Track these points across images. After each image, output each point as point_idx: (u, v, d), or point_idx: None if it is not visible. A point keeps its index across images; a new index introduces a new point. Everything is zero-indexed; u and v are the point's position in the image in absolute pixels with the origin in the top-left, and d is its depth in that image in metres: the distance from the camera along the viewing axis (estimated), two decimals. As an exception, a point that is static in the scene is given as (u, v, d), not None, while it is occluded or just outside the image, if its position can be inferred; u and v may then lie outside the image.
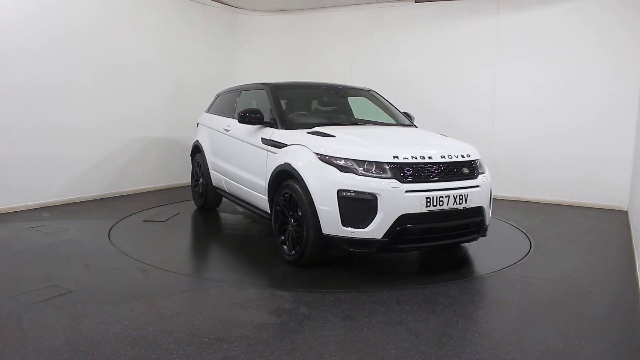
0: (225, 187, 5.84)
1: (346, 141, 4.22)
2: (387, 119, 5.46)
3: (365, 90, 5.84)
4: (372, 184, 3.80)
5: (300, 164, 4.16)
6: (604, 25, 6.87)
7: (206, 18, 8.58)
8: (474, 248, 4.90)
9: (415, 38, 8.18)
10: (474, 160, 4.29)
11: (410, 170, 3.90)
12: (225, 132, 5.72)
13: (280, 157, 4.43)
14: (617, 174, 6.86)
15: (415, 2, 8.11)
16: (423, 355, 2.73)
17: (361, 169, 3.87)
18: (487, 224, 4.34)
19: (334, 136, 4.33)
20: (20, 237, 4.94)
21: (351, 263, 4.44)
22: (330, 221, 3.89)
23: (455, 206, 3.98)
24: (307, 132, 4.46)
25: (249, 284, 3.90)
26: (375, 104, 5.67)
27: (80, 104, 6.56)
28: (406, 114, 5.60)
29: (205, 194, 6.31)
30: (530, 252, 4.80)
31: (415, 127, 5.39)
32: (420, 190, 3.86)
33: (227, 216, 6.31)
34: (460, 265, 4.51)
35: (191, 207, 6.64)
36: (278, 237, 4.42)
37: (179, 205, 6.71)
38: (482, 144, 7.72)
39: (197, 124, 6.72)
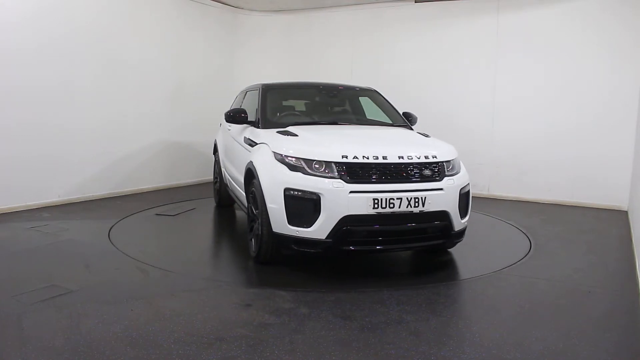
0: (228, 184, 5.99)
1: (305, 141, 4.17)
2: (384, 118, 5.43)
3: (364, 89, 5.81)
4: (316, 183, 3.74)
5: (258, 162, 4.21)
6: (604, 25, 6.88)
7: (206, 18, 8.58)
8: (474, 248, 4.90)
9: (415, 38, 8.18)
10: (440, 162, 4.04)
11: (358, 170, 3.79)
12: (228, 131, 5.91)
13: (250, 156, 4.49)
14: (617, 174, 6.87)
15: (415, 2, 8.11)
16: (423, 355, 2.72)
17: (309, 168, 3.83)
18: (455, 229, 4.07)
19: (297, 135, 4.31)
20: (20, 237, 4.93)
21: (351, 263, 4.44)
22: (278, 219, 3.88)
23: (410, 209, 3.80)
24: (277, 132, 4.46)
25: (249, 284, 3.90)
26: (375, 103, 5.65)
27: (80, 104, 6.56)
28: (407, 114, 5.48)
29: (219, 191, 6.55)
30: (530, 252, 4.80)
31: (410, 128, 5.22)
32: (367, 191, 3.73)
33: (240, 213, 6.34)
34: (460, 265, 4.51)
35: (210, 203, 6.86)
36: (248, 233, 4.48)
37: (197, 202, 6.88)
38: (482, 144, 7.75)
39: (220, 123, 6.94)
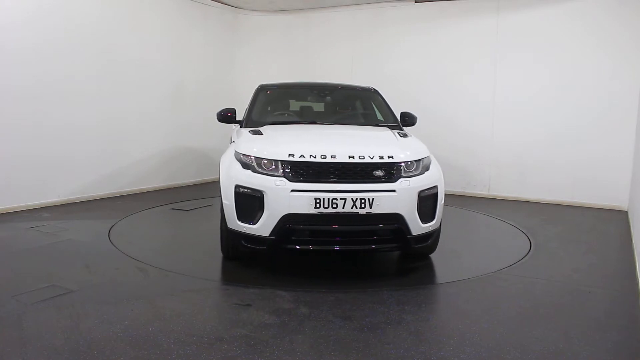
0: None
1: (264, 140, 4.20)
2: (380, 118, 5.39)
3: (361, 89, 5.75)
4: (261, 181, 3.77)
5: (222, 160, 4.29)
6: (604, 25, 6.88)
7: (207, 18, 8.59)
8: (474, 248, 4.90)
9: (415, 38, 8.18)
10: (396, 163, 3.84)
11: (302, 169, 3.76)
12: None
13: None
14: (617, 174, 6.87)
15: (415, 2, 8.12)
16: (423, 355, 2.72)
17: (258, 166, 3.87)
18: (413, 234, 3.84)
19: (262, 134, 4.34)
20: (20, 237, 4.93)
21: (352, 263, 4.44)
22: (230, 216, 3.94)
23: (356, 210, 3.67)
24: (248, 131, 4.49)
25: (249, 284, 3.90)
26: (373, 103, 5.63)
27: (80, 104, 6.56)
28: (406, 114, 5.38)
29: None
30: (530, 252, 4.80)
31: (401, 128, 5.05)
32: (308, 190, 3.68)
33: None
34: (460, 265, 4.51)
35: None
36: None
37: (214, 200, 6.91)
38: (483, 144, 7.76)
39: None
